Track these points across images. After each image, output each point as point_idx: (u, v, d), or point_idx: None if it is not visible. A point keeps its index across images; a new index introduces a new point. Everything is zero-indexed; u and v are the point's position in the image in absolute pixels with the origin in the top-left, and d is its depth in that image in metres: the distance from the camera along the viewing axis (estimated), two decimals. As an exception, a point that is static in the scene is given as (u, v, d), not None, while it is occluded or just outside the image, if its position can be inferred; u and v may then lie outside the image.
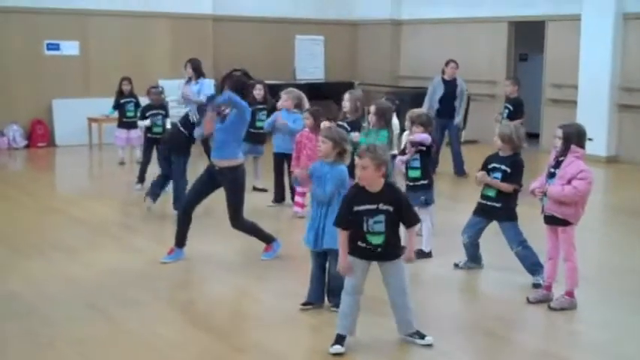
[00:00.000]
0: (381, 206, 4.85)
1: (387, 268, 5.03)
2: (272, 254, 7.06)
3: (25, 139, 14.04)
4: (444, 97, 11.52)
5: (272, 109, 9.65)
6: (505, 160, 6.34)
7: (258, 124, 9.51)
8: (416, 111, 7.40)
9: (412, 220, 5.04)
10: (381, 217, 4.85)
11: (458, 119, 11.68)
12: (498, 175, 6.31)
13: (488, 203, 6.41)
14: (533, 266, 6.38)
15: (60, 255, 7.28)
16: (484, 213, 6.49)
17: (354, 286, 5.02)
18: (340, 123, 7.97)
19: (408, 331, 5.12)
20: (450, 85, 11.61)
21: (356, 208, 4.88)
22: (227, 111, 6.75)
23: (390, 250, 4.96)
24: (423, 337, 5.12)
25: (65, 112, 14.19)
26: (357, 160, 4.90)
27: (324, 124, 7.85)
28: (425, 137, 7.00)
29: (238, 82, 6.86)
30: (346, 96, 8.37)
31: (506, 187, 6.30)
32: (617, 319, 5.85)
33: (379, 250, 4.93)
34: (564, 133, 5.78)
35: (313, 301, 5.81)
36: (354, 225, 4.92)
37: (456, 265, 6.86)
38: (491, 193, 6.38)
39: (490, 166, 6.38)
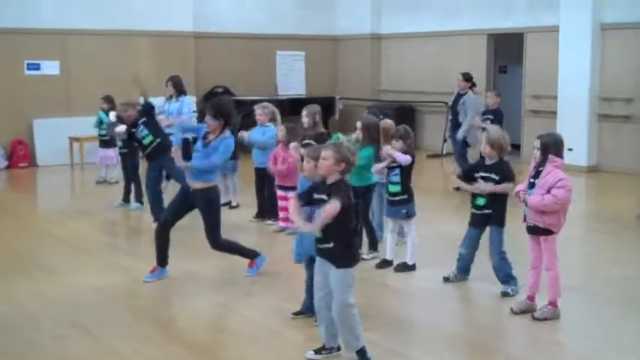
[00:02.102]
0: (324, 197, 4.88)
1: (330, 273, 4.92)
2: (255, 270, 7.04)
3: (6, 160, 13.95)
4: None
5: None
6: (493, 168, 6.36)
7: None
8: (389, 123, 7.49)
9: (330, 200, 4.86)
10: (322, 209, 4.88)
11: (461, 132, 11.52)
12: (490, 185, 6.35)
13: (481, 212, 6.47)
14: (506, 277, 6.48)
15: (43, 274, 7.24)
16: (479, 222, 6.54)
17: (315, 290, 5.03)
18: (306, 142, 7.92)
19: (349, 351, 5.01)
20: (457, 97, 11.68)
21: (315, 196, 4.94)
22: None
23: (334, 250, 4.84)
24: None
25: (46, 132, 14.14)
26: (322, 150, 4.94)
27: (292, 145, 7.82)
28: (406, 158, 7.05)
29: (219, 107, 6.76)
30: (304, 112, 8.26)
31: (503, 188, 6.33)
32: (600, 328, 5.88)
33: (322, 244, 4.88)
34: (542, 144, 5.84)
35: (304, 311, 5.83)
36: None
37: (447, 279, 6.82)
38: (482, 202, 6.43)
39: (479, 176, 6.41)
